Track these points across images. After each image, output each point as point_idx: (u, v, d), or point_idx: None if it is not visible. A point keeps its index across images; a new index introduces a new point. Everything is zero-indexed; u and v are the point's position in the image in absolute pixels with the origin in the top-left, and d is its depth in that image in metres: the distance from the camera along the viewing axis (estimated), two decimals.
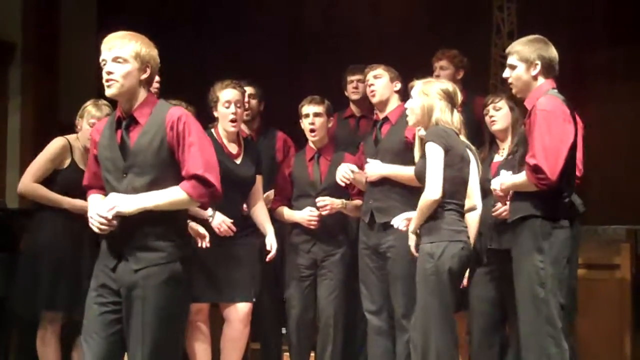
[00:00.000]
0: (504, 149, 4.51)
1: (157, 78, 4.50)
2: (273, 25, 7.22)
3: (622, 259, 5.21)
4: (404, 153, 4.45)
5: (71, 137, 4.60)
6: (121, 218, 3.21)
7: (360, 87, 5.43)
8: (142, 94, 3.32)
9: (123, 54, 3.25)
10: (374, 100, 4.73)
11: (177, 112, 3.30)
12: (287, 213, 4.83)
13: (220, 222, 4.38)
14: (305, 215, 4.73)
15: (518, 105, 4.29)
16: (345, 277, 4.79)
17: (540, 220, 3.75)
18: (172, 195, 3.24)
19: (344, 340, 4.86)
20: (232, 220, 4.41)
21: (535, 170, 3.69)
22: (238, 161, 4.55)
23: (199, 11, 7.43)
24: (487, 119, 4.54)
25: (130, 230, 3.22)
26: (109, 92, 3.29)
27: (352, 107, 5.56)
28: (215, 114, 4.57)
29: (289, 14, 7.20)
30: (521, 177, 3.80)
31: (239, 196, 4.55)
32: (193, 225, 4.23)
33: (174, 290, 3.24)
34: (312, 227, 4.72)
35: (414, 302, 4.01)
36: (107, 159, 3.32)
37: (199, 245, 4.27)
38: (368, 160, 4.58)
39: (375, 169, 4.53)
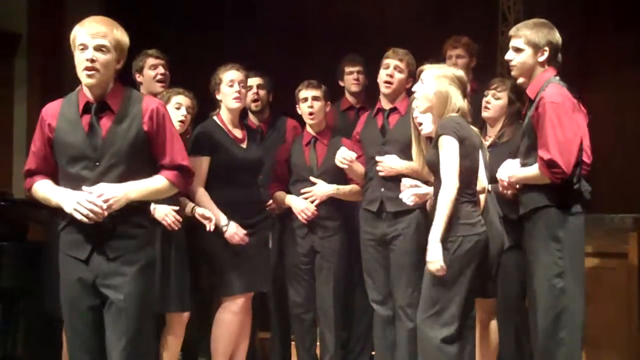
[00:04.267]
0: (491, 136, 4.45)
1: (161, 70, 4.54)
2: (274, 14, 7.18)
3: (629, 247, 5.19)
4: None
5: None
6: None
7: (361, 79, 5.35)
8: (111, 83, 3.26)
9: (107, 42, 3.17)
10: (387, 91, 4.60)
11: (154, 102, 3.27)
12: (284, 197, 4.79)
13: (234, 233, 4.37)
14: (299, 208, 4.69)
15: (520, 95, 4.24)
16: (345, 264, 4.79)
17: (554, 210, 3.75)
18: (156, 184, 3.22)
19: (346, 328, 4.87)
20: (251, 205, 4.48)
21: (550, 164, 3.69)
22: (244, 145, 4.56)
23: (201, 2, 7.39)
24: (483, 101, 4.47)
25: (109, 221, 3.14)
26: (89, 81, 3.18)
27: (350, 98, 5.42)
28: (219, 96, 4.54)
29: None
30: (533, 171, 3.79)
31: (252, 179, 4.57)
32: (199, 210, 4.25)
33: (150, 277, 3.23)
34: (303, 221, 4.70)
35: (419, 292, 3.99)
36: (71, 145, 3.20)
37: (207, 229, 4.26)
38: (383, 157, 4.50)
39: (393, 164, 4.48)
